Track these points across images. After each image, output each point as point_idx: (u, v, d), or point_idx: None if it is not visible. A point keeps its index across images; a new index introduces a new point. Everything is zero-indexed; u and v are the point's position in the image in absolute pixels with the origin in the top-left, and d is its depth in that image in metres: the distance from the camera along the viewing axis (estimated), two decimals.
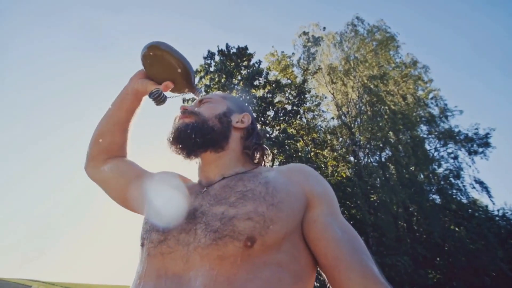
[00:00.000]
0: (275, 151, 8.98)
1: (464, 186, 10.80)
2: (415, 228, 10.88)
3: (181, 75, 0.76)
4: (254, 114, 0.86)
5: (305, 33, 13.72)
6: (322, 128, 12.12)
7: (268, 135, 9.38)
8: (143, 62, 0.76)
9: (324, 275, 0.60)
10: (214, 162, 0.72)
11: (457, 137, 11.54)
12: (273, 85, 10.37)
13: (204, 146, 0.71)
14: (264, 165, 0.80)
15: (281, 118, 10.45)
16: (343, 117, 12.56)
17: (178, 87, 0.78)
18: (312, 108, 11.95)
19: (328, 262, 0.57)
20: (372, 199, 10.66)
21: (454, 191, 10.89)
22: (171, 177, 0.78)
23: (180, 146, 0.70)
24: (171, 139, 0.70)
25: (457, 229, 10.35)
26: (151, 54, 0.73)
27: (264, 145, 0.80)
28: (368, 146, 12.13)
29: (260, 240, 0.54)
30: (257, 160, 0.77)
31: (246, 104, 0.88)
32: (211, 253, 0.53)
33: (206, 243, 0.54)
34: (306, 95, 11.27)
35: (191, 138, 0.69)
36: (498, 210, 11.65)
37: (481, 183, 10.63)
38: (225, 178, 0.68)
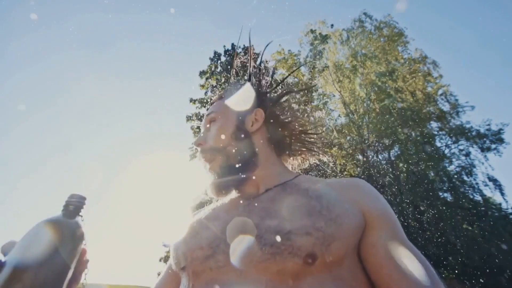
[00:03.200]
0: None
1: (477, 183, 10.57)
2: (426, 227, 10.69)
3: None
4: None
5: (312, 31, 13.61)
6: (330, 127, 12.02)
7: None
8: None
9: None
10: (252, 180, 0.67)
11: (469, 134, 11.28)
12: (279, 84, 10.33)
13: (242, 177, 0.67)
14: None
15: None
16: (351, 115, 12.43)
17: None
18: (319, 106, 11.87)
19: None
20: None
21: (467, 188, 10.66)
22: (198, 211, 0.73)
23: (224, 192, 0.67)
24: (215, 192, 0.67)
25: (469, 227, 10.13)
26: None
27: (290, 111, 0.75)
28: (377, 144, 11.97)
29: (321, 258, 0.49)
30: (292, 155, 0.74)
31: (243, 83, 0.79)
32: (269, 266, 0.49)
33: (263, 258, 0.50)
34: (313, 94, 11.20)
35: (229, 181, 0.66)
36: None
37: (494, 180, 10.38)
38: (268, 190, 0.64)
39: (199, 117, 10.04)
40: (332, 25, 13.72)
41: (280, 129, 0.74)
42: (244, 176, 0.67)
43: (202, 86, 10.42)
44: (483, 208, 10.57)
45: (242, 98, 0.76)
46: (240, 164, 0.67)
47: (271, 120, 0.74)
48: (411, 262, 0.52)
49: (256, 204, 0.61)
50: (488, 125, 11.17)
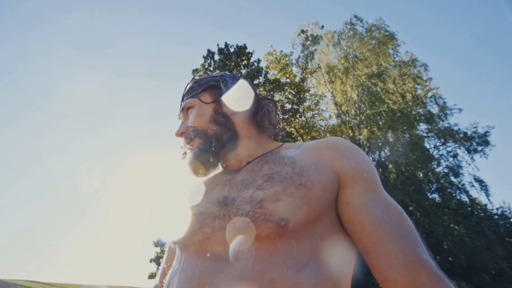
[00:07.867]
0: None
1: (463, 184, 10.82)
2: (415, 227, 10.89)
3: None
4: None
5: (303, 31, 13.68)
6: (321, 127, 12.12)
7: None
8: None
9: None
10: (234, 155, 0.70)
11: (457, 136, 11.54)
12: (273, 84, 10.36)
13: (220, 155, 0.70)
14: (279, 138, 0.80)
15: (280, 117, 10.47)
16: (342, 116, 12.55)
17: None
18: (311, 107, 11.95)
19: (364, 248, 0.54)
20: None
21: (454, 189, 10.90)
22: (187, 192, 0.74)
23: (203, 171, 0.70)
24: (192, 171, 0.70)
25: (456, 227, 10.37)
26: None
27: (269, 101, 0.77)
28: (367, 145, 12.13)
29: (294, 220, 0.52)
30: (271, 129, 0.76)
31: (222, 75, 0.78)
32: (248, 233, 0.53)
33: (241, 226, 0.54)
34: (305, 94, 11.27)
35: (207, 159, 0.68)
36: (497, 209, 11.69)
37: (480, 181, 10.64)
38: (249, 162, 0.67)
39: None
40: (322, 27, 13.83)
41: (257, 108, 0.75)
42: (220, 154, 0.70)
43: None
44: (469, 209, 10.83)
45: (214, 82, 0.76)
46: (218, 144, 0.69)
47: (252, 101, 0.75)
48: (386, 215, 0.54)
49: (236, 178, 0.64)
50: (475, 127, 11.46)
